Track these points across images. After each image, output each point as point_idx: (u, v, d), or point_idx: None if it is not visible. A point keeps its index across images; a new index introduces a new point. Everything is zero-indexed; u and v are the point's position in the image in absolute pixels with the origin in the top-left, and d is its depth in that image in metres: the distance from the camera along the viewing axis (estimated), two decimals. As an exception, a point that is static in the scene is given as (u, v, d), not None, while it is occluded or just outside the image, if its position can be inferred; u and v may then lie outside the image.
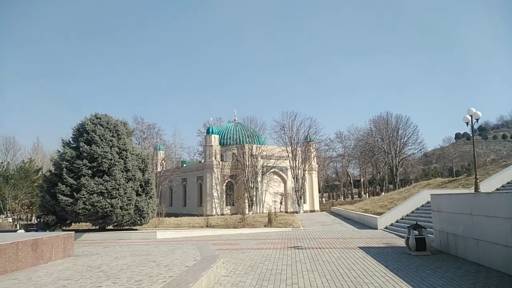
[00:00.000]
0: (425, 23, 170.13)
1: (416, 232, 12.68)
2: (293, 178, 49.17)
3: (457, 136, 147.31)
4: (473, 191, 18.73)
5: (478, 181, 17.86)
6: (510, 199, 9.14)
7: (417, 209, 22.29)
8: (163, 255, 10.78)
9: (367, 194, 70.90)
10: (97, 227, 21.42)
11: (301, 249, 14.43)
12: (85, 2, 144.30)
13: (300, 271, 9.94)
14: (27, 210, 38.10)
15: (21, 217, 41.49)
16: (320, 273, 9.59)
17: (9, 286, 6.96)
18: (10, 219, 43.34)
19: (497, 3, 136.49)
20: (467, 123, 17.14)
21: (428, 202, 21.66)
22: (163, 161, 56.61)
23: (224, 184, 48.29)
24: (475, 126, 17.49)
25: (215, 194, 46.86)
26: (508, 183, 22.06)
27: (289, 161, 49.04)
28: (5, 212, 44.16)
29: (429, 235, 12.95)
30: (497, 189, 21.10)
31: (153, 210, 22.32)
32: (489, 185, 21.25)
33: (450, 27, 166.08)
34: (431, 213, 15.35)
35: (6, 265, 8.28)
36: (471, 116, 16.89)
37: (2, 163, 52.79)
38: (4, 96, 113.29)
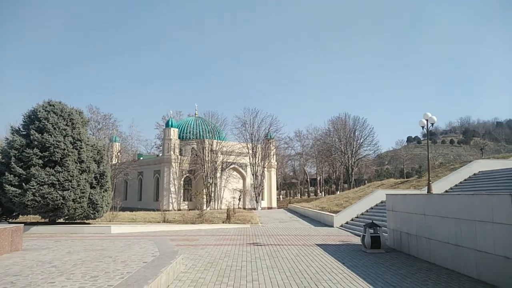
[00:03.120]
0: (381, 24, 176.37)
1: (372, 231, 13.07)
2: (252, 175, 49.38)
3: (409, 139, 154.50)
4: (424, 192, 19.61)
5: (430, 182, 18.71)
6: (460, 200, 9.64)
7: (372, 208, 23.06)
8: (120, 250, 10.41)
9: (323, 192, 72.64)
10: (47, 220, 20.35)
11: (260, 245, 14.48)
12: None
13: (260, 267, 9.95)
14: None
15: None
16: (280, 270, 9.64)
17: None
18: None
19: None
20: (423, 127, 17.92)
21: (382, 202, 22.48)
22: (118, 153, 54.86)
23: (182, 179, 47.61)
24: (429, 130, 18.29)
25: (172, 189, 46.08)
26: (456, 185, 23.33)
27: (249, 158, 49.20)
28: None
29: (383, 233, 13.39)
30: (446, 191, 22.25)
31: (108, 203, 21.50)
32: (439, 187, 22.35)
33: (406, 28, 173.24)
34: (385, 212, 15.90)
35: None
36: (427, 120, 17.68)
37: None
38: None
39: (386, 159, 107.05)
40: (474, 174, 24.58)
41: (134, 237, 15.83)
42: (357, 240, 15.76)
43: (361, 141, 61.32)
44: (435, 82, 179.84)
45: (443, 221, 10.10)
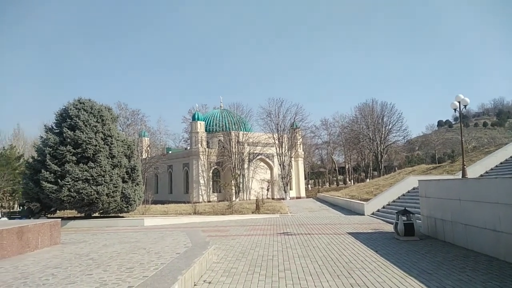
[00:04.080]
0: (407, 11, 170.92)
1: (405, 218, 12.80)
2: (280, 165, 49.28)
3: (440, 123, 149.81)
4: (458, 176, 18.99)
5: (465, 167, 18.08)
6: (499, 184, 9.25)
7: (403, 195, 22.56)
8: (153, 242, 10.62)
9: (352, 180, 71.69)
10: (83, 214, 21.06)
11: (291, 235, 14.45)
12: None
13: (292, 256, 9.92)
14: (9, 198, 37.28)
15: (3, 205, 40.60)
16: (312, 259, 9.58)
17: (-5, 275, 6.73)
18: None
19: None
20: (455, 110, 17.27)
21: (414, 188, 21.94)
22: (148, 148, 55.95)
23: (211, 171, 48.12)
24: (461, 112, 17.62)
25: (201, 181, 46.66)
26: (491, 169, 22.46)
27: (276, 148, 49.07)
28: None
29: (417, 220, 13.07)
30: (481, 175, 21.47)
31: (140, 197, 22.04)
32: (473, 171, 21.58)
33: (434, 15, 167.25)
34: (418, 199, 15.51)
35: (-10, 254, 8.03)
36: (459, 102, 17.02)
37: (-19, 150, 51.40)
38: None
39: (417, 145, 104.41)
40: (511, 157, 23.58)
41: (167, 229, 16.16)
42: (389, 228, 15.47)
43: (390, 127, 59.90)
44: (466, 63, 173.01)
45: (480, 206, 9.73)
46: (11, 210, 32.47)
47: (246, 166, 47.99)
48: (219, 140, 49.99)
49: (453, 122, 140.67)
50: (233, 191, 44.72)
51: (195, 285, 7.12)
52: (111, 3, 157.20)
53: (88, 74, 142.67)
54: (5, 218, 19.97)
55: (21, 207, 21.81)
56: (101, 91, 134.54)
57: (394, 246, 11.31)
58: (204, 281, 7.48)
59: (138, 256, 8.36)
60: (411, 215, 12.77)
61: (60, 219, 11.43)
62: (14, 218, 19.66)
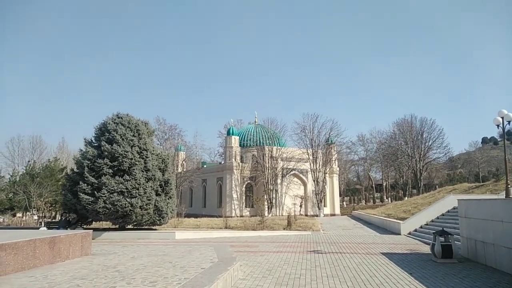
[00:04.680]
0: (448, 26, 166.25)
1: (442, 239, 12.16)
2: (314, 181, 48.56)
3: (484, 140, 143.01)
4: (503, 196, 17.88)
5: (509, 186, 17.01)
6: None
7: (443, 214, 21.52)
8: (180, 256, 10.63)
9: (390, 198, 69.50)
10: (117, 226, 21.53)
11: (321, 253, 14.06)
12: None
13: (320, 276, 9.60)
14: (50, 208, 38.93)
15: (46, 215, 42.37)
16: (341, 279, 9.23)
17: (24, 283, 6.91)
18: (35, 217, 44.37)
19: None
20: (498, 125, 16.36)
21: (454, 208, 20.90)
22: (183, 162, 56.91)
23: (244, 186, 48.14)
24: (506, 129, 16.67)
25: (234, 195, 46.74)
26: (540, 189, 21.02)
27: (310, 164, 48.46)
28: (30, 210, 45.24)
29: (456, 242, 12.36)
30: (528, 196, 20.13)
31: (172, 210, 22.27)
32: (519, 191, 20.27)
33: (474, 30, 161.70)
34: (457, 219, 14.74)
35: (23, 262, 8.28)
36: (502, 118, 16.11)
37: (29, 161, 54.21)
38: (31, 96, 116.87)
39: (459, 163, 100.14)
40: None
41: (196, 243, 16.17)
42: (426, 249, 14.74)
43: (430, 143, 57.67)
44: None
45: (525, 229, 9.06)
46: (51, 220, 33.83)
47: (279, 181, 47.63)
48: (253, 155, 50.07)
49: (498, 139, 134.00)
50: (266, 206, 44.44)
51: (217, 301, 7.00)
52: (156, 19, 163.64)
53: (129, 88, 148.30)
54: (44, 228, 20.73)
55: (60, 218, 22.62)
56: (142, 105, 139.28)
57: (430, 268, 10.72)
58: (227, 298, 7.34)
59: (163, 270, 8.36)
60: (449, 236, 12.11)
61: (92, 231, 11.70)
62: (52, 228, 20.36)
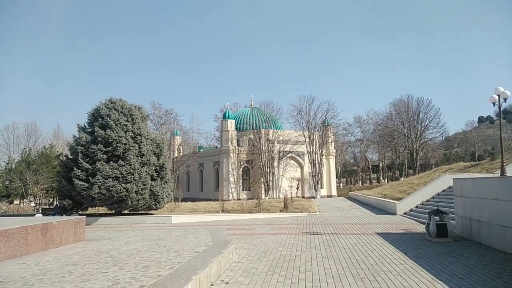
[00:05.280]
0: (445, 6, 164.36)
1: (437, 218, 12.18)
2: (310, 163, 48.68)
3: (480, 119, 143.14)
4: (498, 175, 17.89)
5: (504, 164, 17.00)
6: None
7: (438, 194, 21.60)
8: (175, 240, 10.59)
9: (386, 179, 69.88)
10: (113, 211, 21.49)
11: (317, 234, 14.09)
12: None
13: (315, 257, 9.60)
14: (46, 195, 38.91)
15: (42, 202, 42.38)
16: (336, 260, 9.23)
17: (16, 270, 6.85)
18: (32, 204, 44.38)
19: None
20: (494, 103, 16.22)
21: (450, 187, 20.97)
22: (180, 146, 56.77)
23: (241, 169, 48.18)
24: (502, 107, 16.52)
25: (231, 179, 46.82)
26: (535, 167, 21.07)
27: (306, 146, 48.46)
28: (27, 197, 45.23)
29: (451, 221, 12.38)
30: (523, 174, 20.18)
31: (168, 195, 22.22)
32: (514, 169, 20.31)
33: (473, 11, 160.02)
34: (453, 198, 14.75)
35: (15, 250, 8.21)
36: (499, 95, 15.96)
37: (24, 149, 53.96)
38: (25, 83, 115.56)
39: (455, 142, 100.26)
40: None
41: (192, 226, 16.19)
42: (421, 229, 14.79)
43: (426, 123, 57.63)
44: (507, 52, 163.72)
45: (520, 206, 9.03)
46: (47, 207, 33.80)
47: (276, 164, 47.70)
48: (249, 138, 50.00)
49: (495, 118, 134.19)
50: (263, 189, 44.63)
51: (212, 285, 6.97)
52: (143, 4, 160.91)
53: (124, 73, 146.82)
54: (40, 215, 20.65)
55: (56, 204, 22.57)
56: (137, 90, 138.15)
57: (425, 248, 10.75)
58: (221, 281, 7.31)
59: (157, 254, 8.31)
60: (444, 215, 12.12)
61: (85, 217, 11.62)
62: (48, 215, 20.29)
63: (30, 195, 44.09)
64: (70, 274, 6.47)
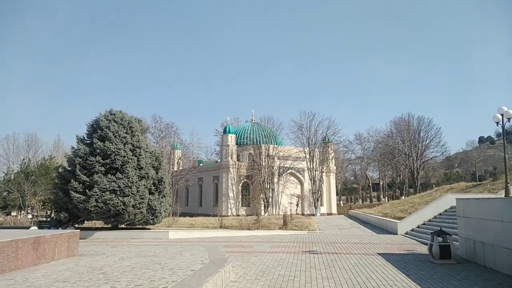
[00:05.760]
0: (444, 26, 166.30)
1: (440, 239, 11.87)
2: (310, 179, 48.31)
3: (481, 139, 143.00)
4: (501, 196, 17.63)
5: (509, 185, 16.74)
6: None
7: (440, 214, 21.27)
8: (170, 257, 10.28)
9: (387, 197, 69.32)
10: (110, 225, 21.16)
11: (317, 253, 13.75)
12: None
13: (315, 278, 9.28)
14: (43, 207, 38.55)
15: (40, 214, 41.94)
16: (336, 281, 8.92)
17: (2, 287, 6.55)
18: (30, 216, 43.92)
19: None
20: (497, 123, 16.06)
21: (452, 207, 20.66)
22: (179, 160, 56.49)
23: (240, 185, 47.77)
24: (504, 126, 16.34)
25: (230, 194, 46.39)
26: (538, 188, 20.78)
27: (307, 162, 48.19)
28: (25, 209, 44.80)
29: (454, 242, 12.08)
30: (527, 195, 19.88)
31: (166, 209, 21.91)
32: (517, 190, 20.03)
33: (473, 30, 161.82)
34: (455, 219, 14.49)
35: (4, 264, 7.90)
36: (502, 115, 15.81)
37: (24, 159, 53.72)
38: (25, 94, 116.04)
39: (456, 162, 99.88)
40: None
41: (190, 243, 15.83)
42: (423, 249, 14.46)
43: (427, 142, 57.41)
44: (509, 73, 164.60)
45: (527, 229, 8.76)
46: (42, 219, 33.40)
47: (276, 180, 47.30)
48: (250, 153, 49.73)
49: (495, 139, 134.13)
50: (262, 205, 44.19)
51: (206, 306, 6.66)
52: (149, 17, 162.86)
53: (126, 87, 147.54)
54: (35, 227, 20.33)
55: (52, 217, 22.25)
56: (139, 104, 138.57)
57: (428, 270, 10.43)
58: (217, 301, 7.01)
59: (151, 272, 8.00)
60: (447, 236, 11.82)
61: (79, 231, 11.32)
62: (43, 228, 19.96)
63: (28, 206, 43.70)
64: (58, 291, 6.18)
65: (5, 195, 46.71)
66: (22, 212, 47.10)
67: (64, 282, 6.96)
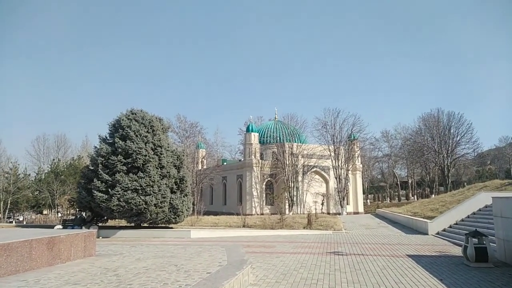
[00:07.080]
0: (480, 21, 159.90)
1: (476, 240, 11.05)
2: (336, 178, 47.32)
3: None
4: (542, 194, 16.45)
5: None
6: None
7: (474, 213, 20.17)
8: (188, 258, 9.93)
9: (415, 196, 67.29)
10: (133, 224, 21.13)
11: (342, 255, 13.12)
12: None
13: (339, 282, 8.71)
14: (69, 206, 39.37)
15: (68, 213, 42.90)
16: (363, 286, 8.34)
17: (13, 289, 6.35)
18: (59, 214, 45.05)
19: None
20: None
21: (486, 206, 19.58)
22: (203, 159, 56.63)
23: (264, 183, 47.33)
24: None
25: (254, 193, 46.02)
26: None
27: (332, 161, 47.21)
28: (55, 207, 45.98)
29: (491, 244, 11.22)
30: None
31: (188, 208, 21.69)
32: (559, 188, 18.75)
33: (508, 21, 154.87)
34: (491, 219, 13.58)
35: (18, 265, 7.75)
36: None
37: (53, 160, 55.25)
38: (56, 96, 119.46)
39: (488, 158, 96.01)
40: None
41: (211, 242, 15.52)
42: (457, 251, 13.61)
43: (458, 138, 55.18)
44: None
45: None
46: (67, 218, 34.05)
47: (300, 178, 46.57)
48: (273, 152, 49.21)
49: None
50: (286, 204, 43.63)
51: (222, 311, 6.24)
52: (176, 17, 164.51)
53: (151, 86, 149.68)
54: (60, 226, 20.54)
55: (76, 216, 22.50)
56: (162, 104, 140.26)
57: (463, 274, 9.67)
58: (233, 307, 6.58)
59: (166, 274, 7.66)
60: (483, 237, 10.98)
61: (96, 230, 11.22)
62: (67, 226, 20.14)
63: (57, 205, 44.81)
64: (66, 295, 5.90)
65: (36, 194, 48.14)
66: (53, 210, 48.39)
67: (75, 284, 6.70)
